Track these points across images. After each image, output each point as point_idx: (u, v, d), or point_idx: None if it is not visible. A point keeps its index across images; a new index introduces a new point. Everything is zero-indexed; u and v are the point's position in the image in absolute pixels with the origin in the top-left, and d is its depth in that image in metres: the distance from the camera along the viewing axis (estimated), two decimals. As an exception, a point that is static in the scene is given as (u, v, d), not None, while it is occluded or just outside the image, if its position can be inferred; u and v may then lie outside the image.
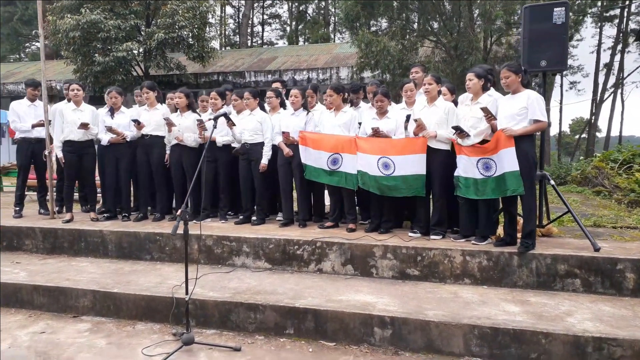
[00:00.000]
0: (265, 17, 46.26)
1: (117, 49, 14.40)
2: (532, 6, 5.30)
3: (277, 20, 45.10)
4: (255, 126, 5.83)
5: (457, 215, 5.20)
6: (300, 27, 38.13)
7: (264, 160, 5.78)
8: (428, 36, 12.01)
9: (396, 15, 11.74)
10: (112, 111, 6.31)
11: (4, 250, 6.09)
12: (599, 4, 26.02)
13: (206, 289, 4.55)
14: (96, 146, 6.40)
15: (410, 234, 5.28)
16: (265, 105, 6.31)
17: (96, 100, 10.39)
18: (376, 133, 5.30)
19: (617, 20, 27.89)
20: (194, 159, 6.07)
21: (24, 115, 6.76)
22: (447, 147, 5.12)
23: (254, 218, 6.00)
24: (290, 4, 38.39)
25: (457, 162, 4.98)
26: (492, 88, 5.10)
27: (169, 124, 6.02)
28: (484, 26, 11.19)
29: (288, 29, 39.52)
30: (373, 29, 13.28)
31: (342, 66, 16.75)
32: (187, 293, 3.91)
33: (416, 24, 12.50)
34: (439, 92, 5.27)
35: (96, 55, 14.73)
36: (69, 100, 6.44)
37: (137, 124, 6.07)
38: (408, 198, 5.35)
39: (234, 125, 5.79)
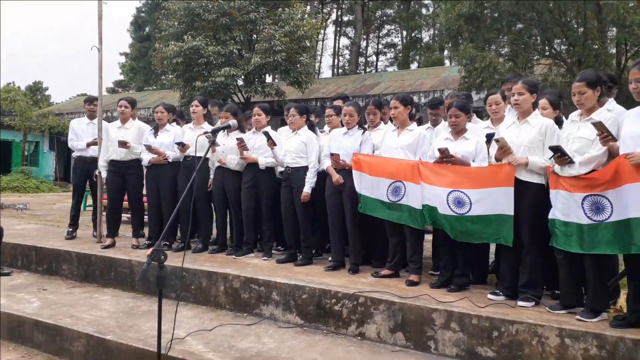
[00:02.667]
0: (381, 46, 46.02)
1: (216, 74, 14.49)
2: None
3: (392, 49, 44.58)
4: (299, 147, 4.87)
5: (557, 274, 3.72)
6: (411, 53, 37.09)
7: (306, 188, 4.77)
8: (544, 50, 10.28)
9: (505, 28, 10.20)
10: (157, 129, 5.76)
11: (43, 274, 5.75)
12: None
13: (209, 347, 3.62)
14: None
15: (489, 296, 3.90)
16: (325, 126, 5.38)
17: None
18: (445, 157, 4.04)
19: None
20: (237, 183, 5.26)
21: (81, 133, 6.50)
22: (541, 179, 3.71)
23: (300, 256, 4.99)
24: (403, 32, 37.64)
25: (552, 199, 3.57)
26: (612, 100, 3.64)
27: (241, 147, 5.21)
28: (616, 36, 9.23)
29: (400, 55, 38.68)
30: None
31: (448, 89, 15.38)
32: (158, 352, 2.99)
33: (533, 38, 10.81)
34: (535, 105, 3.89)
35: (197, 80, 14.98)
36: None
37: (181, 146, 5.42)
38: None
39: (275, 145, 4.89)
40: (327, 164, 4.74)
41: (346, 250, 4.94)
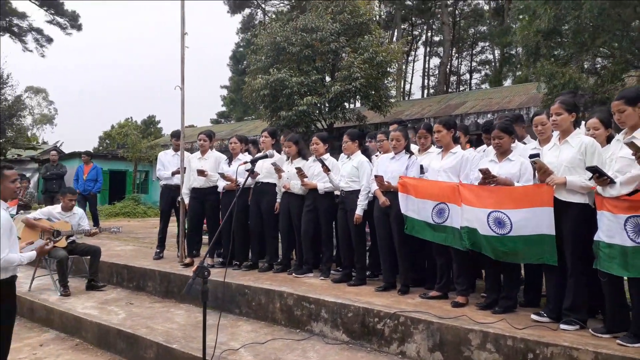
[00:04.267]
0: (475, 64, 44.97)
1: (300, 103, 15.20)
2: None
3: (487, 66, 43.44)
4: (352, 172, 5.13)
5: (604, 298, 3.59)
6: (504, 69, 35.85)
7: (358, 211, 4.99)
8: (634, 62, 9.60)
9: (589, 42, 9.70)
10: (231, 158, 6.32)
11: (132, 289, 6.48)
12: None
13: (257, 358, 3.95)
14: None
15: (533, 317, 3.85)
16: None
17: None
18: (488, 177, 4.08)
19: None
20: (301, 207, 5.63)
21: (167, 164, 7.27)
22: (584, 199, 3.63)
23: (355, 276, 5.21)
24: (496, 49, 36.58)
25: (598, 220, 3.48)
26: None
27: (278, 171, 5.72)
28: None
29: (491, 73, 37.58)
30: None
31: (535, 106, 14.80)
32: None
33: (619, 50, 10.16)
34: (577, 124, 3.84)
35: (282, 110, 15.78)
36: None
37: (251, 173, 5.91)
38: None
39: (329, 170, 5.19)
40: (374, 187, 4.95)
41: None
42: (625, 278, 3.39)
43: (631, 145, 3.14)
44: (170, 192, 7.19)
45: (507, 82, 33.80)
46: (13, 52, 45.74)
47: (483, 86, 37.72)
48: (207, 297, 3.37)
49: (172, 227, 7.41)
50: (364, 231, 5.25)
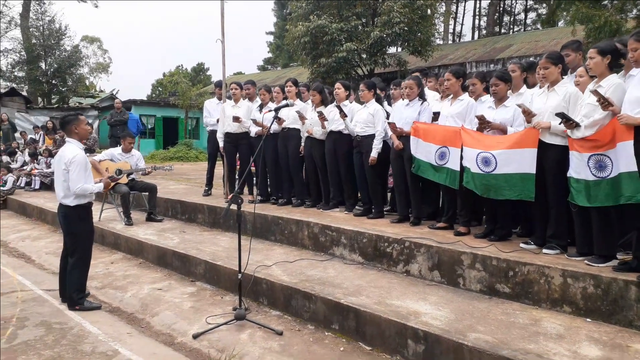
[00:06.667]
0: (531, 2, 42.79)
1: (339, 49, 15.50)
2: None
3: (543, 5, 41.24)
4: (367, 118, 5.70)
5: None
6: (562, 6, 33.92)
7: (373, 153, 5.60)
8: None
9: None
10: (261, 107, 6.99)
11: (185, 221, 7.45)
12: None
13: (285, 273, 4.76)
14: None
15: (521, 245, 4.45)
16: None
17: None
18: (483, 123, 4.59)
19: None
20: (322, 150, 6.28)
21: (212, 112, 8.02)
22: (564, 142, 4.10)
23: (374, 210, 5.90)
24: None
25: (569, 159, 3.97)
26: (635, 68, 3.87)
27: (301, 118, 6.36)
28: None
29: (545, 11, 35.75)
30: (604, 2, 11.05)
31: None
32: (239, 270, 4.21)
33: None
34: (564, 73, 4.25)
35: (322, 57, 16.14)
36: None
37: (278, 120, 6.57)
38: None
39: (346, 116, 5.79)
40: (390, 132, 5.53)
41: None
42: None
43: (595, 92, 3.59)
44: (216, 137, 7.98)
45: (561, 24, 32.26)
46: (69, 3, 47.31)
47: (537, 27, 36.09)
48: (240, 219, 4.15)
49: (219, 170, 8.27)
50: (383, 172, 5.86)
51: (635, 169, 3.40)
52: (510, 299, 4.02)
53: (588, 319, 3.60)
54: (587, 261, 3.85)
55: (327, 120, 6.01)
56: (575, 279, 3.69)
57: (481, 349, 3.14)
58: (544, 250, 4.22)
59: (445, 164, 4.94)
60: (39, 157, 11.71)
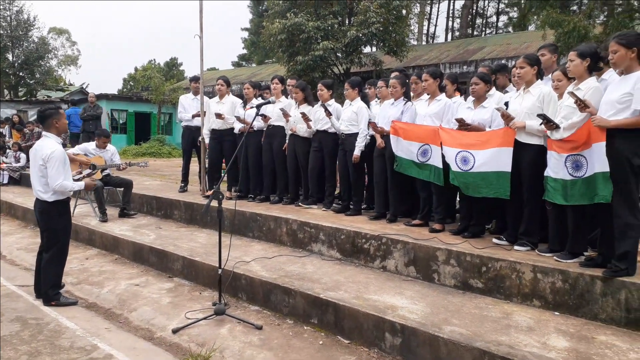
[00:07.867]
0: (502, 5, 43.65)
1: (316, 48, 15.54)
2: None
3: (515, 9, 42.14)
4: (351, 116, 5.79)
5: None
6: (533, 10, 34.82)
7: (356, 152, 5.69)
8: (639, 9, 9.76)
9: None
10: (245, 103, 7.01)
11: (160, 217, 7.40)
12: None
13: (264, 269, 4.80)
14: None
15: (494, 240, 4.60)
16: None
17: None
18: (462, 125, 4.74)
19: None
20: (306, 147, 6.35)
21: (187, 107, 7.98)
22: (540, 141, 4.27)
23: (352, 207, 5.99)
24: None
25: (547, 159, 4.13)
26: (611, 71, 4.06)
27: (285, 115, 6.41)
28: None
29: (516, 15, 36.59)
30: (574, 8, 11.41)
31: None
32: (219, 266, 4.23)
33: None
34: (539, 75, 4.41)
35: (298, 55, 16.15)
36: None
37: (263, 117, 6.60)
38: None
39: (331, 115, 5.86)
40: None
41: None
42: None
43: (572, 94, 3.75)
44: (191, 133, 7.94)
45: (532, 27, 33.07)
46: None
47: (508, 30, 36.90)
48: (222, 214, 4.17)
49: (194, 167, 8.24)
50: (363, 169, 5.96)
51: (608, 169, 3.57)
52: (483, 293, 4.16)
53: (556, 313, 3.77)
54: (556, 257, 4.02)
55: (311, 121, 6.06)
56: (545, 274, 3.85)
57: (456, 341, 3.25)
58: (516, 247, 4.38)
59: (427, 160, 5.06)
60: (7, 151, 11.42)
